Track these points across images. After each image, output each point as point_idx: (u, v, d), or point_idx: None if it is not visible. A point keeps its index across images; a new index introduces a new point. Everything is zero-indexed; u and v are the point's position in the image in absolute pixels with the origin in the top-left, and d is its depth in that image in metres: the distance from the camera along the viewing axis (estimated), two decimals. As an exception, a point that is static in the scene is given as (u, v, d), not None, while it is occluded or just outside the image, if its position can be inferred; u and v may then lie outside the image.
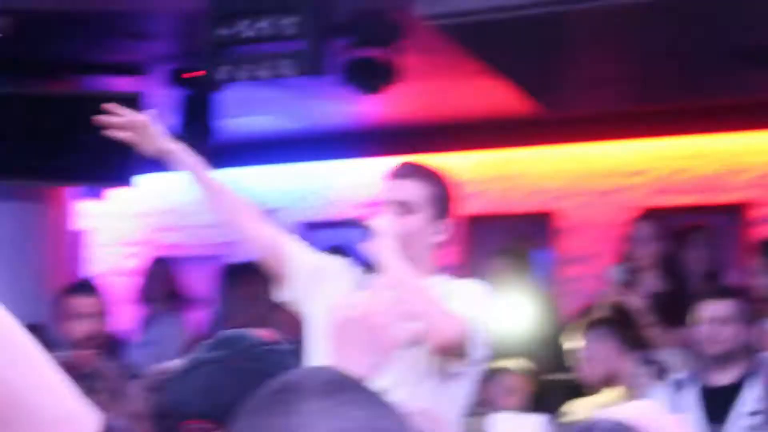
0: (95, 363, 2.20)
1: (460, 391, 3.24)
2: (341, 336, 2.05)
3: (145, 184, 7.57)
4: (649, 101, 7.84)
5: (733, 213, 8.14)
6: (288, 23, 5.34)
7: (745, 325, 4.38)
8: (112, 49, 6.77)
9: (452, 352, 3.02)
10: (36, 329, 4.87)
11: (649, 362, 4.98)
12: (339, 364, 1.91)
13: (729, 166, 8.30)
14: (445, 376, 3.09)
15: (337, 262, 3.43)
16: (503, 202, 8.89)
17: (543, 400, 5.33)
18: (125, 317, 7.44)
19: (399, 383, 2.96)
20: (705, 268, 6.18)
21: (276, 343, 2.07)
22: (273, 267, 3.41)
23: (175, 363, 2.61)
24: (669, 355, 5.19)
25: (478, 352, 3.16)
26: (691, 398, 4.34)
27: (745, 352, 4.39)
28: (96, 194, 8.45)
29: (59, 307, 4.58)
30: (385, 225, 3.17)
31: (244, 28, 5.34)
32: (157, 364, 5.99)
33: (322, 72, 5.38)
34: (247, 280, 6.10)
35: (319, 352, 3.17)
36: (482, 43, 5.90)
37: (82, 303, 4.47)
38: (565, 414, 4.94)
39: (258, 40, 5.40)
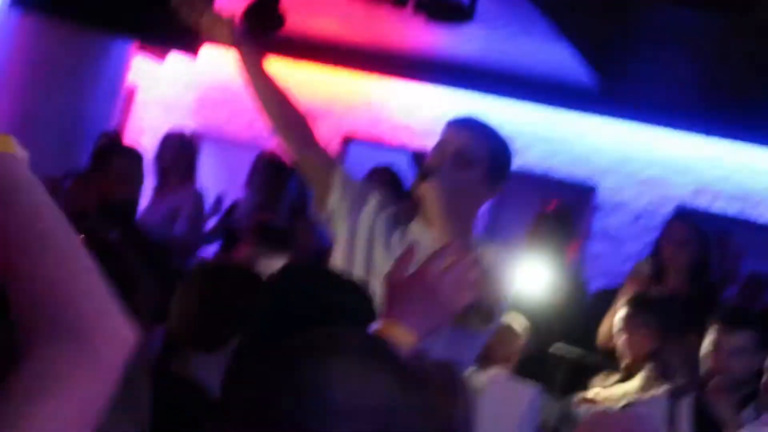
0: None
1: (474, 349, 3.28)
2: (398, 298, 1.95)
3: (206, 57, 7.55)
4: (712, 103, 7.75)
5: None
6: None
7: (759, 356, 4.35)
8: None
9: (478, 316, 3.02)
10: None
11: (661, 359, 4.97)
12: (393, 325, 1.88)
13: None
14: (464, 333, 3.10)
15: (376, 195, 3.41)
16: (541, 162, 8.85)
17: (544, 372, 5.33)
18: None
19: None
20: (731, 279, 6.16)
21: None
22: (315, 182, 3.39)
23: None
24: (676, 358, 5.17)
25: (500, 317, 3.19)
26: (686, 410, 4.34)
27: (753, 378, 4.36)
28: (158, 55, 8.41)
29: (101, 161, 4.53)
30: (439, 177, 3.14)
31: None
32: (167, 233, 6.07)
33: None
34: (283, 178, 6.14)
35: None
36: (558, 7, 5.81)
37: (123, 165, 4.43)
38: (577, 394, 4.96)
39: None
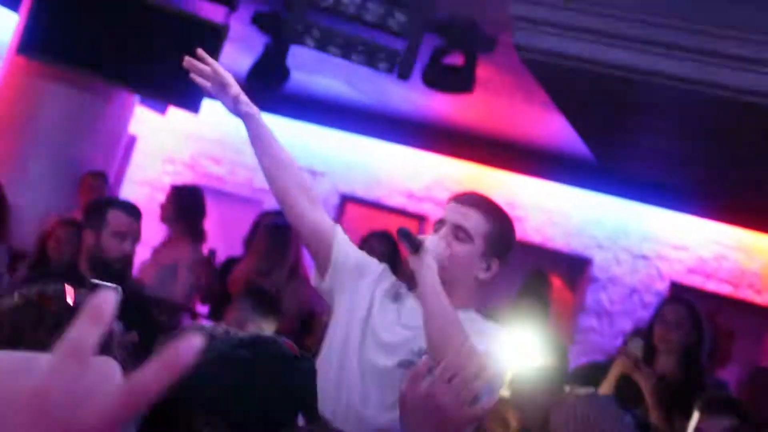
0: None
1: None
2: (410, 415, 1.97)
3: (207, 109, 7.57)
4: (708, 183, 7.76)
5: (762, 315, 8.08)
6: (395, 18, 5.22)
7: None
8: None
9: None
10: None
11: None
12: None
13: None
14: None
15: (376, 266, 3.41)
16: (536, 233, 8.86)
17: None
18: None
19: (390, 407, 2.96)
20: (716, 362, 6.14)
21: (302, 359, 2.02)
22: (314, 252, 3.39)
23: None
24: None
25: (490, 397, 3.15)
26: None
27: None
28: (159, 108, 8.45)
29: (96, 215, 4.48)
30: (434, 243, 3.15)
31: (349, 1, 5.22)
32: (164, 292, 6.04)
33: (410, 75, 5.30)
34: (286, 243, 6.11)
35: (335, 345, 3.18)
36: (558, 86, 5.83)
37: (121, 221, 4.38)
38: None
39: (357, 19, 5.29)
